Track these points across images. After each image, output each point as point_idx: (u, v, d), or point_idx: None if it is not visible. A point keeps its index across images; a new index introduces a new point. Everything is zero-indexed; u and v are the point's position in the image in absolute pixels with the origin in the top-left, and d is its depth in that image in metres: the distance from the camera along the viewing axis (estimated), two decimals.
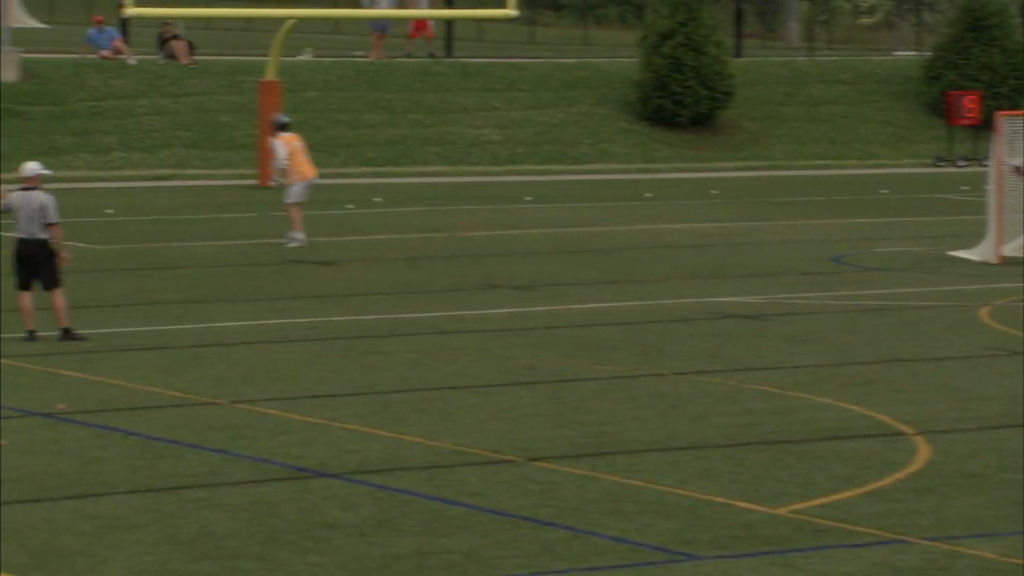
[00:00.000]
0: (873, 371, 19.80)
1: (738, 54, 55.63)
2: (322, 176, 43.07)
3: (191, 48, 50.50)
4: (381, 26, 53.29)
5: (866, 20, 75.08)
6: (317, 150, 46.21)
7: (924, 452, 15.80)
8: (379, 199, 39.57)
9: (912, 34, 62.46)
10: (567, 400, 18.33)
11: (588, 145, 50.18)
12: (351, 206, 37.35)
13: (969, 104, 48.16)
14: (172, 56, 49.63)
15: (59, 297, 20.82)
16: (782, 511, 13.84)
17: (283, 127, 31.56)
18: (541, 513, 13.84)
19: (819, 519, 13.61)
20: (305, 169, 31.12)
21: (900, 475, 14.97)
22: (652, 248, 31.45)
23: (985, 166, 33.01)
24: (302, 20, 48.23)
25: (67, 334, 20.88)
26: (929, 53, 55.17)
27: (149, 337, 21.87)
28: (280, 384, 19.06)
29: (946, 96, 50.20)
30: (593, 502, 14.20)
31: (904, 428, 16.75)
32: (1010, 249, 28.83)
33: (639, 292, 26.03)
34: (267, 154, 34.95)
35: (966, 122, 48.13)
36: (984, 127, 43.77)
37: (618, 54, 55.82)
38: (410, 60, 53.40)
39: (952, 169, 47.22)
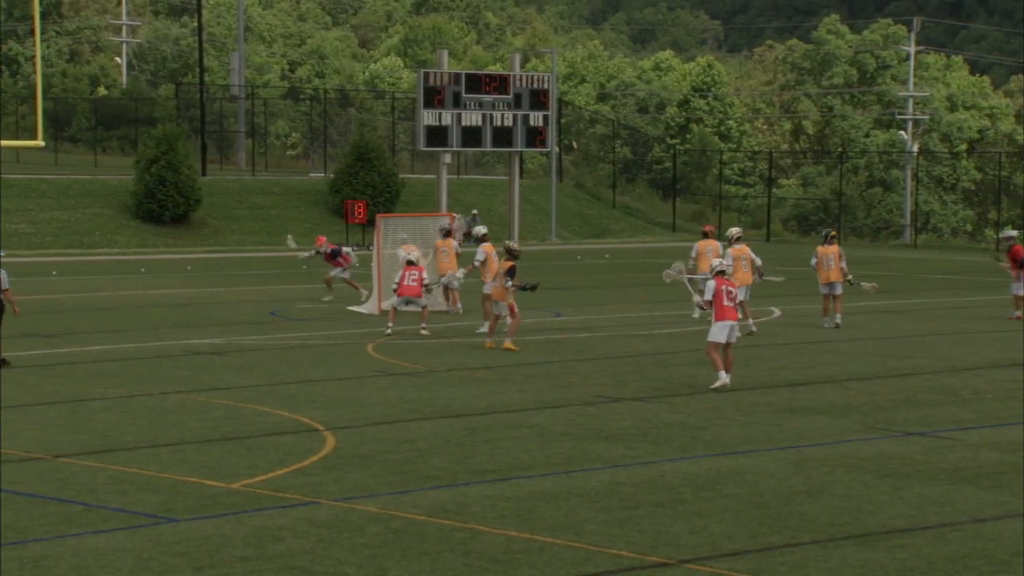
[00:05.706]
0: (297, 388, 19.80)
1: (204, 173, 55.07)
2: None
3: None
4: None
5: (291, 152, 75.44)
6: None
7: (331, 442, 15.89)
8: None
9: (321, 162, 63.04)
10: (82, 414, 17.61)
11: (98, 236, 48.73)
12: None
13: (359, 209, 49.01)
14: None
15: None
16: (236, 486, 13.66)
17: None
18: (64, 494, 13.25)
19: (260, 490, 13.50)
20: None
21: (315, 458, 15.01)
22: (145, 307, 30.63)
23: (370, 249, 33.58)
24: None
25: None
26: (332, 175, 55.90)
27: None
28: None
29: (344, 204, 50.96)
30: (102, 485, 13.68)
31: (317, 425, 16.82)
32: (385, 304, 29.39)
33: (136, 337, 25.31)
34: None
35: (357, 221, 48.97)
36: (369, 224, 44.60)
37: (120, 173, 54.43)
38: None
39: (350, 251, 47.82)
